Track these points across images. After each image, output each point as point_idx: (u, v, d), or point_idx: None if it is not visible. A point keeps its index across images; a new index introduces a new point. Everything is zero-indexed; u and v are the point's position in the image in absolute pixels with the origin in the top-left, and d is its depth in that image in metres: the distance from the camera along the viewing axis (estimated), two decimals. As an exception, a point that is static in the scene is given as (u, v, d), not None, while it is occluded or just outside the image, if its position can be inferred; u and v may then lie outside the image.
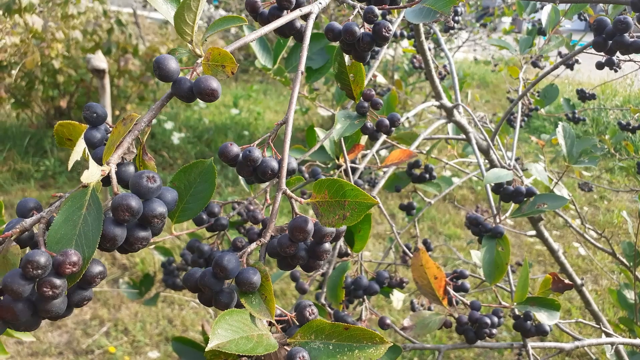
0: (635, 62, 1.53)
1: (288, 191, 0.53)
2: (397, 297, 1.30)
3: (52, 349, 3.05)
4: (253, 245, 0.51)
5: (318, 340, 0.46)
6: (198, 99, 0.47)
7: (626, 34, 0.74)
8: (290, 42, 1.19)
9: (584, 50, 1.07)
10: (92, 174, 0.40)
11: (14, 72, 4.38)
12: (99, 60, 3.69)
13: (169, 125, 5.52)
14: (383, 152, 1.82)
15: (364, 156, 1.21)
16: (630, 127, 2.09)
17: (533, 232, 1.51)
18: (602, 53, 0.83)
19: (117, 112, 5.02)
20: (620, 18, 0.73)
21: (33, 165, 4.76)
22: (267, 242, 0.51)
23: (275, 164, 0.54)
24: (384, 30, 0.60)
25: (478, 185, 5.29)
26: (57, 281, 0.37)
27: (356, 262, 0.96)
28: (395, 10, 1.05)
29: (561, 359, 3.06)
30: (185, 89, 0.47)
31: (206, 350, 0.39)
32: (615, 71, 1.65)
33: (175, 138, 5.27)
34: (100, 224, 0.40)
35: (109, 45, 4.78)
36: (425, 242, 1.48)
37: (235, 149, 0.54)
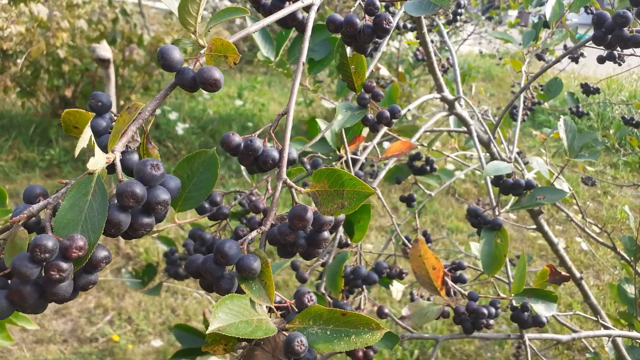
0: (638, 56, 1.52)
1: (288, 181, 0.54)
2: (397, 288, 1.31)
3: (56, 337, 3.08)
4: (254, 233, 0.52)
5: (316, 326, 0.48)
6: (201, 89, 0.48)
7: (625, 29, 0.75)
8: (293, 33, 1.20)
9: (586, 45, 1.07)
10: (98, 161, 0.41)
11: (19, 61, 4.40)
12: (104, 49, 3.70)
13: (173, 115, 5.53)
14: (386, 145, 1.82)
15: (365, 148, 1.22)
16: (634, 122, 2.09)
17: (534, 226, 1.52)
18: (602, 47, 0.84)
19: (121, 102, 5.03)
20: (619, 12, 0.73)
21: (38, 154, 4.79)
22: (267, 230, 0.52)
23: (276, 154, 0.55)
24: (384, 22, 0.61)
25: (481, 179, 5.29)
26: (64, 265, 0.39)
27: (356, 252, 0.98)
28: (398, 2, 1.05)
29: (561, 351, 3.08)
30: (189, 79, 0.48)
31: (207, 332, 0.41)
32: (620, 65, 1.64)
33: (180, 129, 5.29)
34: (105, 209, 0.41)
35: (113, 35, 4.78)
36: (424, 234, 1.49)
37: (237, 138, 0.55)
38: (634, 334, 1.03)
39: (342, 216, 0.54)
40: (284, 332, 0.48)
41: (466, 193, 5.08)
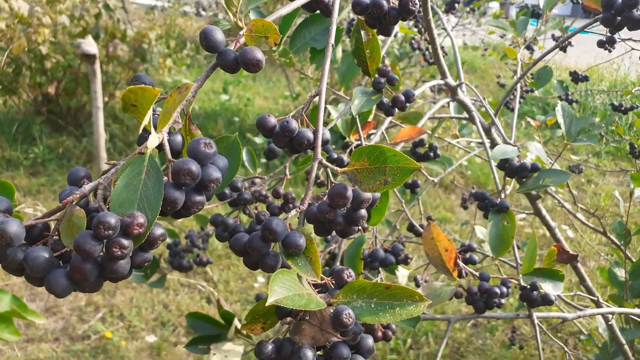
0: (626, 41, 1.56)
1: (324, 160, 0.55)
2: (402, 274, 1.33)
3: (48, 335, 3.05)
4: (293, 212, 0.53)
5: (360, 300, 0.49)
6: (243, 70, 0.48)
7: (635, 10, 0.77)
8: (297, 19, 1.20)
9: (587, 29, 1.10)
10: (153, 141, 0.41)
11: (0, 58, 4.31)
12: (89, 45, 3.64)
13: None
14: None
15: (369, 135, 1.23)
16: (623, 108, 2.14)
17: (528, 211, 1.55)
18: (601, 36, 0.86)
19: (106, 99, 4.97)
20: (631, -5, 0.75)
21: (22, 152, 4.71)
22: (305, 209, 0.53)
23: (310, 135, 0.56)
24: (410, 4, 0.62)
25: (468, 170, 5.35)
26: (125, 242, 0.39)
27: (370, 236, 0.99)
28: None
29: (554, 334, 3.14)
30: (231, 60, 0.49)
31: (266, 304, 0.41)
32: (610, 52, 1.68)
33: (166, 124, 5.24)
34: (161, 187, 0.41)
35: (96, 31, 4.71)
36: (429, 219, 1.51)
37: (273, 120, 0.56)
38: (635, 310, 1.06)
39: (378, 195, 0.55)
40: (329, 307, 0.49)
41: (452, 184, 5.13)
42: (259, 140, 4.74)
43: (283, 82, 7.29)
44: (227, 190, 0.91)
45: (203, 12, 8.14)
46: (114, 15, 4.87)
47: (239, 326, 0.99)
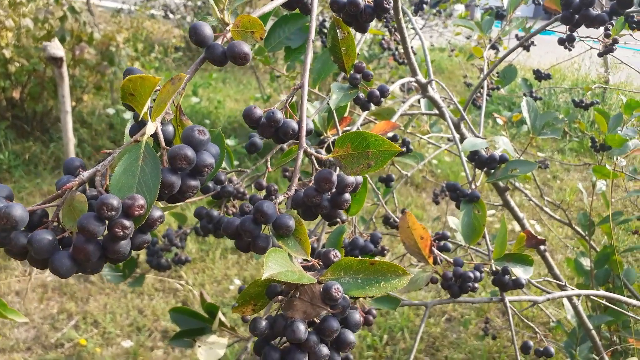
0: (584, 40, 1.65)
1: (308, 149, 0.58)
2: (379, 266, 1.37)
3: (19, 345, 2.99)
4: (281, 197, 0.56)
5: (347, 276, 0.52)
6: (230, 62, 0.51)
7: (591, 9, 0.83)
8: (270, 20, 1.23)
9: (548, 28, 1.16)
10: (149, 129, 0.44)
11: (-39, 62, 4.20)
12: (56, 48, 3.59)
13: (127, 115, 5.41)
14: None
15: (345, 132, 1.27)
16: (583, 104, 2.24)
17: (498, 203, 1.61)
18: (562, 33, 0.92)
19: (73, 103, 4.89)
20: (587, -7, 0.81)
21: (-14, 159, 4.59)
22: (292, 194, 0.56)
23: (295, 125, 0.59)
24: (384, 2, 0.65)
25: (438, 169, 5.46)
26: (127, 222, 0.41)
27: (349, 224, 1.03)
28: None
29: (526, 324, 3.24)
30: (219, 53, 0.51)
31: (262, 279, 0.44)
32: (570, 50, 1.76)
33: (136, 128, 5.18)
34: (159, 172, 0.44)
35: (62, 34, 4.63)
36: (403, 212, 1.55)
37: (259, 111, 0.59)
38: (600, 292, 1.13)
39: (360, 179, 0.58)
40: (318, 284, 0.52)
41: (424, 182, 5.23)
42: (231, 142, 4.74)
43: (253, 84, 7.29)
44: (210, 184, 0.93)
45: (171, 15, 8.07)
46: (80, 18, 4.79)
47: (223, 319, 1.01)
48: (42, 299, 3.37)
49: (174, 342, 1.01)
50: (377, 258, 1.37)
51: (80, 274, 3.02)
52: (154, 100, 0.48)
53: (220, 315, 1.00)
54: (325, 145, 1.10)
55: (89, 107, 5.70)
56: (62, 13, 4.70)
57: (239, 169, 1.05)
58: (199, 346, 0.94)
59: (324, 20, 2.13)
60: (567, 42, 1.26)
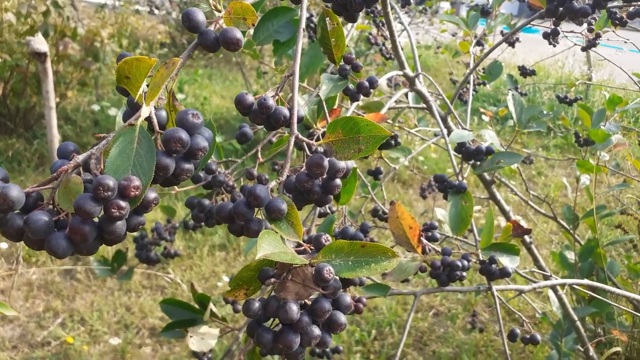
0: (567, 35, 1.67)
1: (300, 135, 0.59)
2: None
3: (5, 343, 2.96)
4: (273, 183, 0.57)
5: (338, 258, 0.53)
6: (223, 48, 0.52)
7: (575, 1, 0.85)
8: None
9: (531, 23, 1.18)
10: (144, 112, 0.44)
11: (-57, 57, 4.13)
12: (40, 42, 3.54)
13: (112, 111, 5.37)
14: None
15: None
16: (568, 100, 2.27)
17: (486, 196, 1.64)
18: (546, 29, 0.94)
19: (57, 99, 4.83)
20: (571, -15, 0.83)
21: (-32, 156, 4.53)
22: (284, 180, 0.57)
23: (287, 112, 0.60)
24: (374, -8, 0.67)
25: (425, 165, 5.50)
26: (123, 203, 0.42)
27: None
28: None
29: (513, 317, 3.28)
30: (211, 39, 0.52)
31: (256, 259, 0.45)
32: (554, 46, 1.79)
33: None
34: (153, 155, 0.44)
35: (45, 29, 4.57)
36: (392, 203, 1.57)
37: (250, 98, 0.59)
38: (584, 281, 1.15)
39: (351, 164, 0.59)
40: (310, 267, 0.53)
41: (410, 178, 5.26)
42: (218, 139, 4.72)
43: (240, 80, 7.27)
44: (201, 174, 0.94)
45: (156, 11, 8.01)
46: (64, 12, 4.74)
47: (214, 309, 1.01)
48: (27, 297, 3.33)
49: (166, 334, 1.01)
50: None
51: (65, 271, 2.98)
52: (148, 86, 0.48)
53: (211, 305, 1.00)
54: (315, 137, 1.11)
55: (73, 104, 5.64)
56: (45, 8, 4.65)
57: (230, 159, 1.06)
58: (191, 336, 0.95)
59: (312, 16, 2.13)
60: (551, 36, 1.28)
